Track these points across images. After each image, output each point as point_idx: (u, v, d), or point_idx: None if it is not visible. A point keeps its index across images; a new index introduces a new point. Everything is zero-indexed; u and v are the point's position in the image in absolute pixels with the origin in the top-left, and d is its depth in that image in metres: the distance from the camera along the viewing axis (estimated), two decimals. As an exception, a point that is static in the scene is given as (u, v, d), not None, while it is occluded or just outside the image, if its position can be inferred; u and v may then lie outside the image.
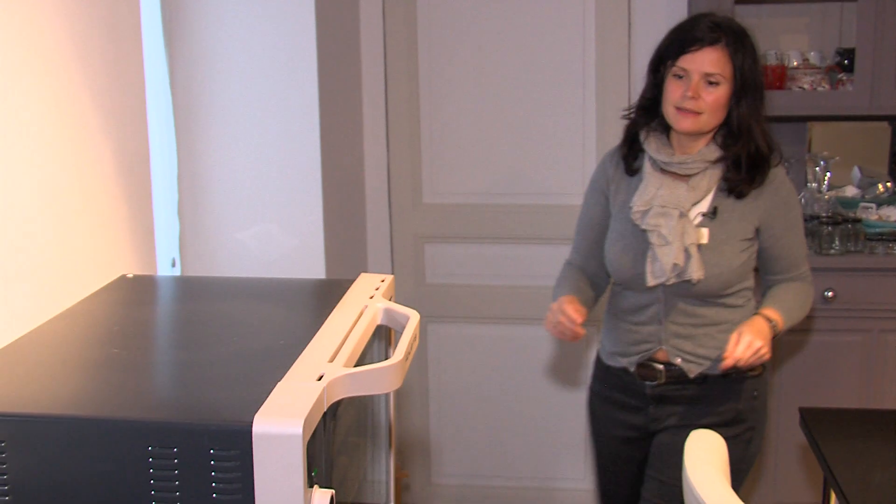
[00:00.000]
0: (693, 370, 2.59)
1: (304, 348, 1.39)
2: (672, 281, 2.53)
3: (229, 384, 1.30)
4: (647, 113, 2.65)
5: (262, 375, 1.29)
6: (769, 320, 2.51)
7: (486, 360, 4.17)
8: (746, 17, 3.89)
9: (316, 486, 1.26)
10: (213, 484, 1.18)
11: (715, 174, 2.57)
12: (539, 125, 3.95)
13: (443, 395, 4.21)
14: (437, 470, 4.26)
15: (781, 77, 3.80)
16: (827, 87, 3.83)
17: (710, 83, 2.47)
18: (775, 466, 3.66)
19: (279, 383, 1.25)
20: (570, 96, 3.90)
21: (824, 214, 3.83)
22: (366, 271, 4.02)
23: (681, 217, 2.51)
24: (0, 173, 1.53)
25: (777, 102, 3.78)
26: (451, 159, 4.07)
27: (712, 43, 2.48)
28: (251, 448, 1.16)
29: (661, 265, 2.51)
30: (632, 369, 2.66)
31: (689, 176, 2.57)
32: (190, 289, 1.81)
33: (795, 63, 3.89)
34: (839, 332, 3.63)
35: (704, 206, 2.59)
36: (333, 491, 1.26)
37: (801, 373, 3.64)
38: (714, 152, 2.57)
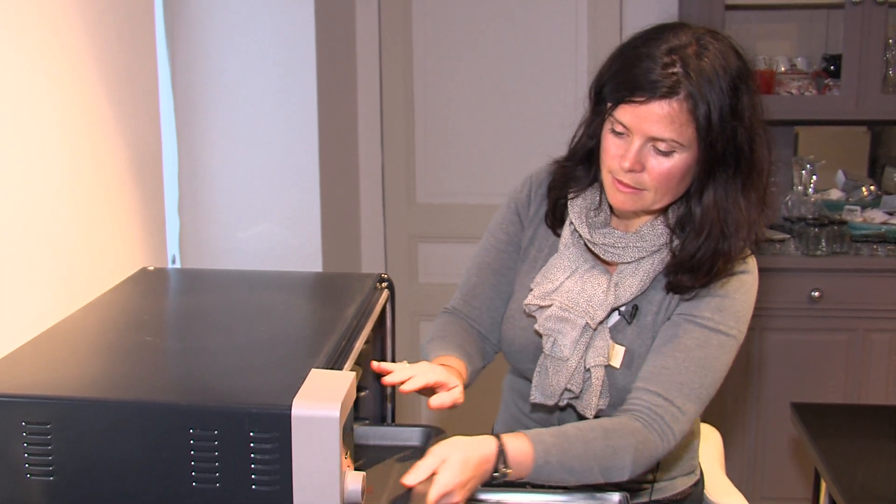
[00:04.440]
0: None
1: (329, 337, 1.44)
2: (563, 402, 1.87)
3: (264, 370, 1.35)
4: (587, 166, 1.88)
5: (294, 362, 1.34)
6: (501, 455, 1.63)
7: (477, 359, 4.22)
8: (735, 22, 3.97)
9: (349, 469, 1.31)
10: (253, 465, 1.22)
11: (650, 267, 1.81)
12: (532, 126, 4.00)
13: (434, 393, 4.26)
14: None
15: (770, 82, 3.88)
16: (814, 92, 3.91)
17: (660, 151, 1.70)
18: (765, 461, 3.72)
19: (313, 370, 1.29)
20: (563, 96, 3.95)
21: (810, 216, 3.91)
22: (359, 270, 4.08)
23: (586, 331, 1.81)
24: (27, 173, 1.58)
25: (766, 108, 3.83)
26: (445, 159, 4.12)
27: (664, 96, 1.66)
28: (290, 431, 1.21)
29: (550, 385, 1.83)
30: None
31: (615, 263, 1.85)
32: (211, 280, 1.86)
33: (783, 68, 3.96)
34: (826, 331, 3.70)
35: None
36: (364, 474, 1.31)
37: (788, 370, 3.71)
38: (659, 237, 1.81)
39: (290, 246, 3.33)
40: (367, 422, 1.84)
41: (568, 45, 3.97)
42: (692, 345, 1.77)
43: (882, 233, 3.82)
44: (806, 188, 4.05)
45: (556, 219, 1.93)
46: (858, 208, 3.98)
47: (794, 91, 3.89)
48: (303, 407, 1.21)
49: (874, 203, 4.07)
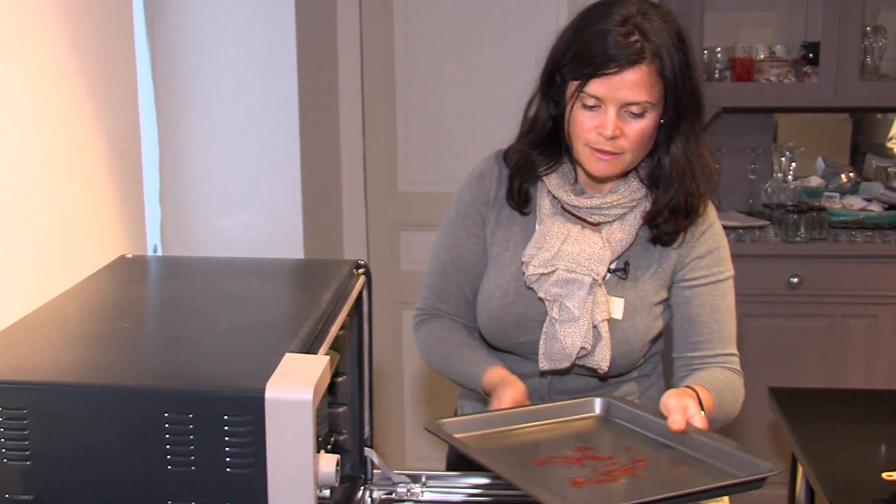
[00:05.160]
0: None
1: (304, 322, 1.45)
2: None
3: (239, 355, 1.36)
4: (548, 148, 1.96)
5: (269, 347, 1.35)
6: (698, 399, 1.79)
7: (459, 346, 4.24)
8: (715, 11, 3.99)
9: (322, 452, 1.32)
10: (227, 449, 1.23)
11: (634, 220, 1.94)
12: (514, 114, 4.00)
13: (418, 381, 4.28)
14: (412, 453, 4.33)
15: (749, 69, 3.91)
16: (793, 79, 3.93)
17: (634, 114, 1.81)
18: (743, 443, 3.76)
19: (287, 354, 1.31)
20: (544, 87, 3.97)
21: (790, 203, 3.94)
22: (341, 258, 4.09)
23: (593, 285, 1.90)
24: (3, 161, 1.59)
25: (744, 94, 3.89)
26: (427, 148, 4.14)
27: (634, 62, 1.77)
28: (263, 414, 1.22)
29: (563, 347, 1.91)
30: None
31: (599, 224, 1.96)
32: (188, 267, 1.87)
33: (762, 56, 3.99)
34: (805, 316, 3.74)
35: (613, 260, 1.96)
36: (338, 456, 1.32)
37: (768, 355, 3.74)
38: (636, 191, 1.94)
39: (271, 234, 3.34)
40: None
41: (548, 36, 3.97)
42: (719, 302, 1.98)
43: (860, 219, 3.86)
44: (785, 175, 4.08)
45: (521, 200, 2.00)
46: (837, 195, 4.02)
47: (773, 78, 3.92)
48: (276, 390, 1.22)
49: (853, 190, 4.10)
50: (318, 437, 1.29)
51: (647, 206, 1.94)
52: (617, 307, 1.93)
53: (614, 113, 1.80)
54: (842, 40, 3.78)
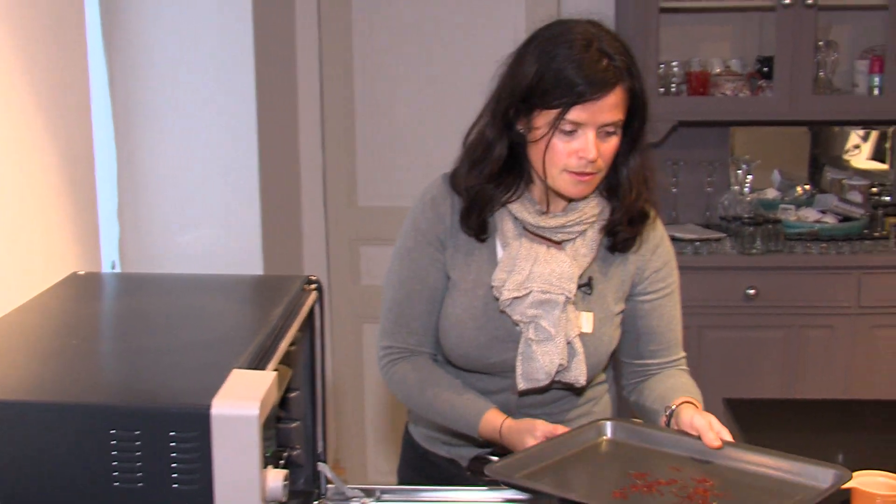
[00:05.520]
0: None
1: (254, 338, 1.46)
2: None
3: (187, 371, 1.36)
4: (508, 178, 1.95)
5: (217, 363, 1.35)
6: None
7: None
8: (670, 25, 4.03)
9: (270, 467, 1.33)
10: (174, 465, 1.23)
11: (594, 234, 1.98)
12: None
13: (378, 395, 4.28)
14: (374, 467, 4.33)
15: (705, 83, 3.94)
16: (748, 93, 3.97)
17: (608, 133, 1.86)
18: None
19: (235, 370, 1.31)
20: (502, 101, 3.99)
21: (746, 215, 3.98)
22: (301, 273, 4.09)
23: (566, 303, 1.94)
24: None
25: (700, 108, 3.92)
26: (386, 162, 4.15)
27: (613, 85, 1.82)
28: (209, 430, 1.22)
29: (542, 366, 1.93)
30: (463, 463, 2.10)
31: (562, 241, 1.98)
32: (140, 284, 1.86)
33: (718, 70, 4.03)
34: (761, 328, 3.77)
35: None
36: (287, 471, 1.33)
37: (725, 367, 3.77)
38: (596, 206, 1.97)
39: (229, 249, 3.33)
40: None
41: (506, 49, 4.00)
42: (674, 312, 2.09)
43: (815, 231, 3.90)
44: (742, 188, 4.12)
45: (479, 228, 1.99)
46: (793, 207, 4.06)
47: (728, 92, 3.96)
48: (222, 406, 1.22)
49: (808, 202, 4.15)
50: (266, 453, 1.29)
51: (604, 218, 1.99)
52: (586, 321, 1.98)
53: (594, 136, 1.84)
54: (795, 55, 3.83)
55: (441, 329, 2.05)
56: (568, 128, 1.84)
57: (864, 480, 1.98)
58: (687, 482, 1.74)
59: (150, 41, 3.21)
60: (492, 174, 1.95)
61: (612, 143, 1.87)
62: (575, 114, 1.82)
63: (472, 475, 2.06)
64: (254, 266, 3.37)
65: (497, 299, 1.96)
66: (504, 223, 1.98)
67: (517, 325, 1.96)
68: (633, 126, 1.92)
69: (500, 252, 2.00)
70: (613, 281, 2.03)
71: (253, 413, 1.22)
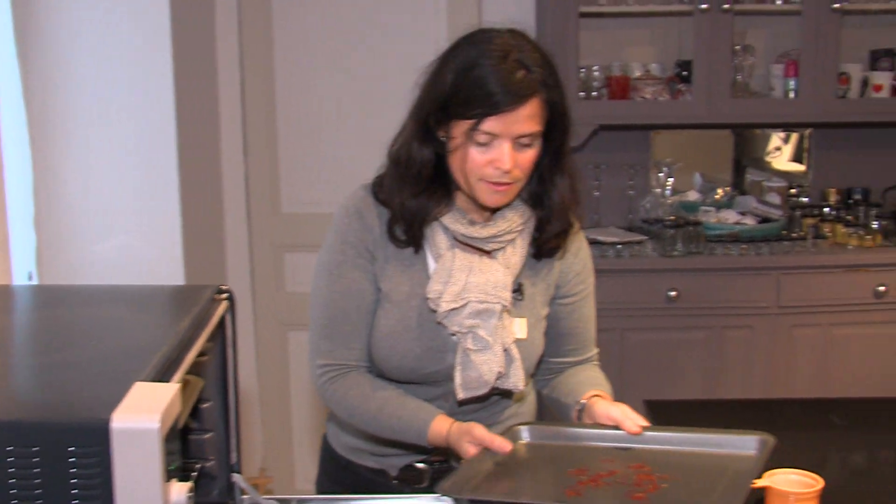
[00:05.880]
0: None
1: (159, 350, 1.44)
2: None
3: (89, 385, 1.34)
4: (437, 189, 1.95)
5: (120, 376, 1.33)
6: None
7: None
8: (590, 29, 4.06)
9: (174, 480, 1.31)
10: (74, 480, 1.21)
11: (523, 242, 2.01)
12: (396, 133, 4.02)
13: (305, 403, 4.26)
14: (302, 475, 4.30)
15: (625, 87, 3.98)
16: (667, 96, 4.02)
17: (523, 144, 1.86)
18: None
19: (137, 383, 1.29)
20: (425, 106, 4.00)
21: (668, 218, 4.02)
22: (224, 281, 4.06)
23: (502, 312, 1.96)
24: None
25: (621, 112, 3.96)
26: (309, 168, 4.13)
27: (527, 97, 1.82)
28: (109, 444, 1.20)
29: (481, 375, 1.94)
30: (392, 473, 2.10)
31: (492, 251, 1.99)
32: (48, 296, 1.83)
33: (638, 74, 4.07)
34: (683, 329, 3.81)
35: None
36: (191, 483, 1.31)
37: (647, 369, 3.80)
38: (523, 214, 1.99)
39: (149, 258, 3.29)
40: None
41: (429, 55, 4.00)
42: (590, 312, 2.16)
43: (735, 232, 3.96)
44: (663, 190, 4.16)
45: (414, 239, 1.98)
46: (713, 209, 4.11)
47: (648, 96, 4.00)
48: (122, 420, 1.20)
49: (728, 204, 4.20)
50: (170, 466, 1.28)
51: (531, 227, 2.01)
52: (520, 327, 2.01)
53: (509, 147, 1.84)
54: (713, 59, 3.88)
55: (373, 341, 2.02)
56: (483, 139, 1.84)
57: (779, 479, 2.02)
58: (626, 471, 1.77)
59: (66, 47, 3.16)
60: (419, 186, 1.94)
61: (530, 154, 1.87)
62: (489, 125, 1.82)
63: (401, 484, 2.07)
64: (175, 274, 3.33)
65: (432, 311, 1.96)
66: (435, 234, 1.97)
67: (454, 335, 1.96)
68: (553, 137, 1.91)
69: (431, 263, 2.00)
70: (540, 286, 2.06)
71: (153, 426, 1.20)
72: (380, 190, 2.01)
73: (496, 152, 1.84)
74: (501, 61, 1.82)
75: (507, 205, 1.96)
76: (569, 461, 1.84)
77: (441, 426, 1.94)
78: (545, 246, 2.02)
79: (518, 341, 1.99)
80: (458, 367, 1.96)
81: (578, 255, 2.11)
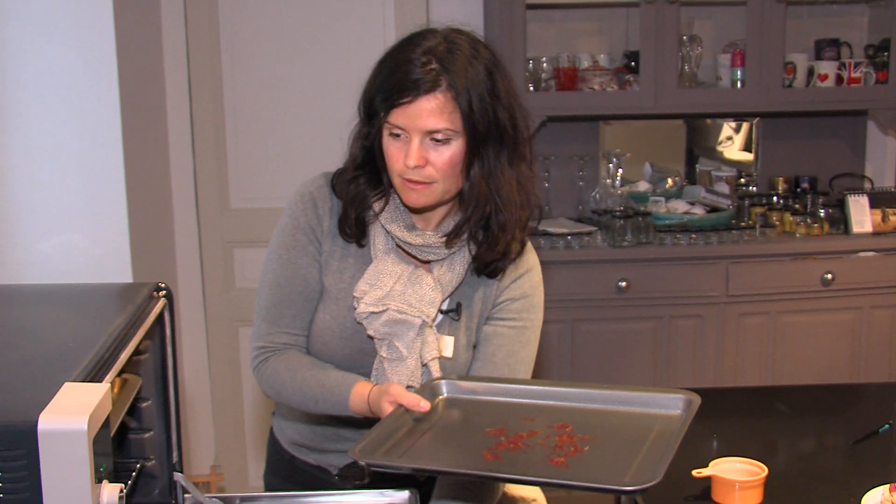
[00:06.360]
0: None
1: (90, 350, 1.42)
2: None
3: (18, 386, 1.32)
4: (374, 178, 1.96)
5: (50, 376, 1.32)
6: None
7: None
8: (537, 21, 4.06)
9: (105, 482, 1.29)
10: (1, 484, 1.20)
11: (462, 260, 1.97)
12: (344, 128, 4.00)
13: (256, 398, 4.24)
14: (255, 473, 4.28)
15: (573, 78, 3.99)
16: (615, 87, 4.03)
17: (438, 141, 1.83)
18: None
19: (67, 383, 1.28)
20: (373, 100, 3.99)
21: (618, 209, 4.03)
22: (174, 278, 4.03)
23: (423, 327, 1.94)
24: None
25: (569, 103, 3.97)
26: (258, 164, 4.11)
27: (428, 90, 1.80)
28: (37, 446, 1.19)
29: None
30: (333, 471, 2.11)
31: (429, 262, 1.98)
32: (-21, 297, 1.81)
33: (586, 65, 4.08)
34: (633, 319, 3.83)
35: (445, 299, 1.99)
36: (123, 484, 1.30)
37: (598, 359, 3.82)
38: (460, 231, 1.95)
39: (94, 256, 3.25)
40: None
41: (376, 48, 3.98)
42: (518, 349, 2.02)
43: (684, 222, 3.98)
44: (613, 181, 4.17)
45: (359, 231, 1.98)
46: (663, 199, 4.13)
47: (596, 87, 4.01)
48: (49, 421, 1.19)
49: (678, 194, 4.22)
50: (100, 467, 1.26)
51: (473, 247, 1.96)
52: (448, 346, 1.98)
53: (418, 142, 1.82)
54: (659, 49, 3.89)
55: (310, 333, 2.03)
56: (395, 132, 1.84)
57: (724, 468, 2.03)
58: (548, 431, 1.74)
59: (7, 42, 3.12)
60: (359, 173, 1.95)
61: (447, 153, 1.83)
62: (395, 116, 1.82)
63: (342, 481, 2.01)
64: (122, 272, 3.29)
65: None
66: (377, 236, 1.98)
67: (373, 339, 1.96)
68: (487, 147, 1.87)
69: (371, 265, 1.99)
70: (477, 306, 2.02)
71: (81, 427, 1.19)
72: (337, 182, 2.01)
73: (407, 147, 1.83)
74: (422, 55, 1.82)
75: (450, 214, 1.96)
76: (489, 419, 1.80)
77: (362, 390, 1.90)
78: (484, 269, 1.98)
79: (443, 359, 1.96)
80: (374, 374, 1.97)
81: (518, 282, 2.03)
